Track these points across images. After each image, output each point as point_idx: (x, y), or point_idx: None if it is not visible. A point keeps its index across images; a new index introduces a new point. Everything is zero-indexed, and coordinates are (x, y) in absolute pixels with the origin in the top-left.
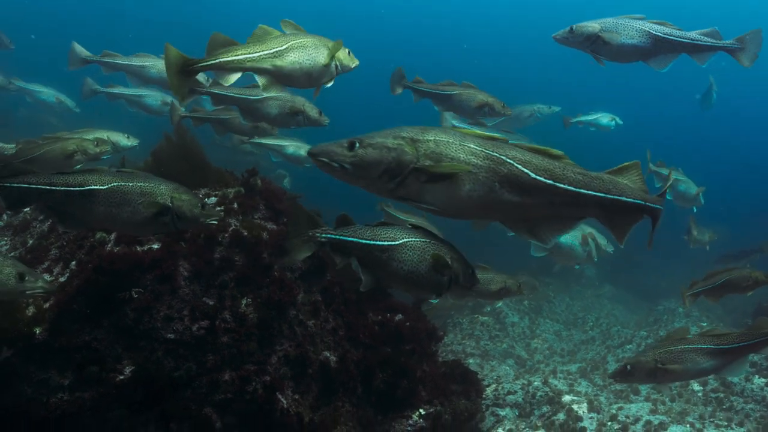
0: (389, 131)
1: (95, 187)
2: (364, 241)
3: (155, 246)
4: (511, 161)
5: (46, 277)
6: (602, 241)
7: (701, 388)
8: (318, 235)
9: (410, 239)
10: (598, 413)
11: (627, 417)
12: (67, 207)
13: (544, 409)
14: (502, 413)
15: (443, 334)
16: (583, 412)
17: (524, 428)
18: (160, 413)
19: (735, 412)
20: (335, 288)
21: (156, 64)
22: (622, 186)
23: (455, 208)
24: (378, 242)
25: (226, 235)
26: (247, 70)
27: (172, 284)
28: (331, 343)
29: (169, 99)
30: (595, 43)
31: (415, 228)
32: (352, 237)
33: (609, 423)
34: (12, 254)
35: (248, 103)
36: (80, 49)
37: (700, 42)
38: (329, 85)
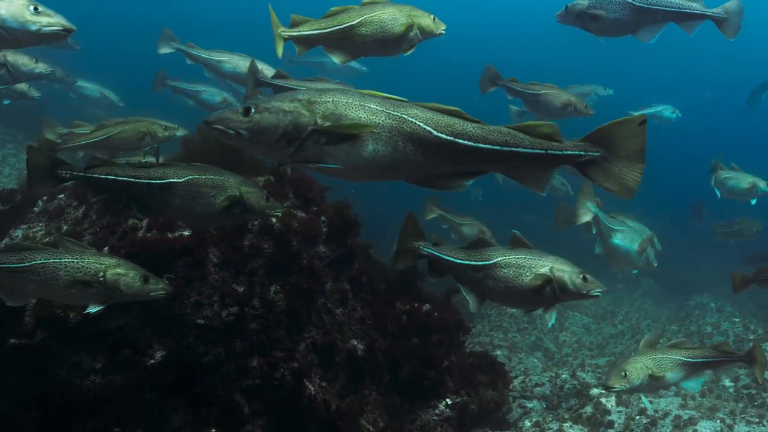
0: (287, 94)
1: (173, 180)
2: (459, 261)
3: (186, 233)
4: (413, 119)
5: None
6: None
7: (732, 384)
8: (421, 248)
9: (505, 258)
10: (627, 407)
11: (656, 411)
12: (147, 198)
13: (572, 401)
14: (530, 405)
15: (472, 326)
16: (611, 405)
17: (551, 420)
18: (190, 398)
19: (767, 408)
20: (363, 277)
21: (231, 60)
22: (521, 137)
23: (359, 170)
24: (473, 262)
25: (256, 222)
26: (324, 42)
27: (203, 271)
28: (359, 332)
29: (226, 95)
30: (584, 20)
31: (513, 246)
32: (449, 256)
33: (637, 417)
34: (47, 239)
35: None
36: (170, 34)
37: (684, 10)
38: (408, 53)
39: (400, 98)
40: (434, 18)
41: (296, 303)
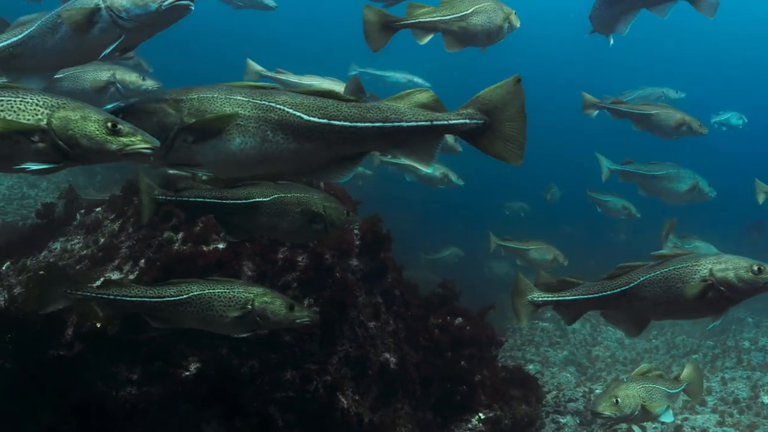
0: (153, 94)
1: (259, 199)
2: (595, 296)
3: (221, 246)
4: (282, 106)
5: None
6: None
7: None
8: (537, 299)
9: (649, 276)
10: (662, 423)
11: (693, 428)
12: (235, 218)
13: None
14: (563, 420)
15: (504, 340)
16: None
17: None
18: (224, 409)
19: None
20: (396, 290)
21: (322, 83)
22: (403, 111)
23: (231, 166)
24: (610, 291)
25: None
26: (439, 30)
27: None
28: (392, 345)
29: None
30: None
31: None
32: (580, 295)
33: None
34: (84, 252)
35: None
36: (254, 65)
37: None
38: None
39: (271, 85)
40: (516, 13)
41: (329, 316)
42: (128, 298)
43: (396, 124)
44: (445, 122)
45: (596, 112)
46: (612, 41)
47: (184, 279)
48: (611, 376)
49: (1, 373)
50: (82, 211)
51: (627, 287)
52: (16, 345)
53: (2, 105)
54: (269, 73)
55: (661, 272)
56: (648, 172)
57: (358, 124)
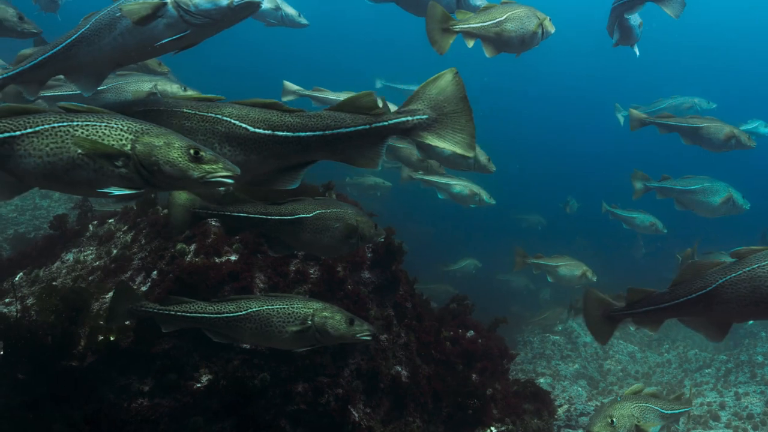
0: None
1: (303, 215)
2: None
3: (233, 258)
4: (228, 118)
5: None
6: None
7: None
8: (615, 314)
9: (731, 276)
10: None
11: None
12: (278, 233)
13: None
14: None
15: (516, 353)
16: None
17: None
18: (235, 422)
19: None
20: (407, 303)
21: None
22: (342, 117)
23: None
24: (691, 295)
25: None
26: (479, 36)
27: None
28: (403, 358)
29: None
30: None
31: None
32: (660, 303)
33: None
34: (97, 263)
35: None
36: (291, 85)
37: None
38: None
39: (217, 96)
40: (550, 19)
41: None
42: (187, 314)
43: (336, 131)
44: (384, 123)
45: (641, 126)
46: (638, 51)
47: (244, 295)
48: (623, 390)
49: (16, 384)
50: (95, 222)
51: (705, 291)
52: (30, 356)
53: (87, 129)
54: (306, 92)
55: (744, 272)
56: (684, 186)
57: (301, 134)
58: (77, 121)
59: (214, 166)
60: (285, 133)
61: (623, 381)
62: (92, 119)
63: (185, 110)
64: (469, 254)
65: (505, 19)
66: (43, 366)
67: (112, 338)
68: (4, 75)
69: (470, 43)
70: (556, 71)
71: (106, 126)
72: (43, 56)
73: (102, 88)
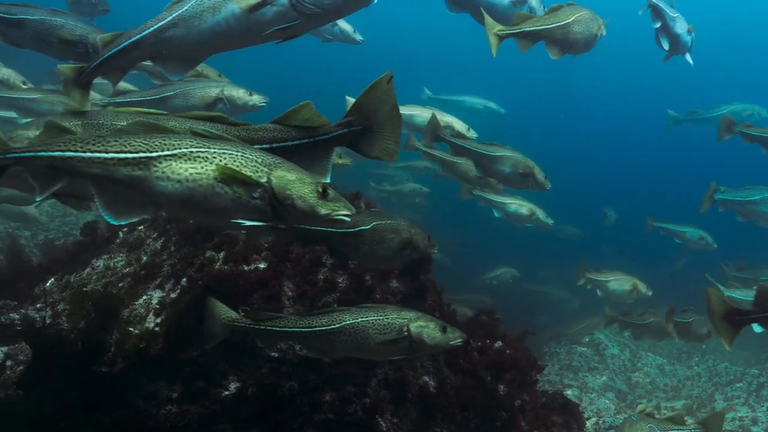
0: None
1: (362, 227)
2: None
3: (261, 266)
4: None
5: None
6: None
7: None
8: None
9: None
10: None
11: None
12: (342, 246)
13: None
14: None
15: (544, 365)
16: None
17: None
18: (263, 429)
19: None
20: (435, 312)
21: (422, 113)
22: (288, 131)
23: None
24: None
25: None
26: (543, 38)
27: (278, 304)
28: (431, 368)
29: (448, 119)
30: None
31: None
32: None
33: None
34: (126, 270)
35: (485, 158)
36: (353, 100)
37: None
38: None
39: (158, 111)
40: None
41: None
42: (279, 329)
43: (283, 144)
44: (327, 136)
45: (729, 136)
46: (691, 60)
47: (336, 308)
48: (652, 404)
49: (47, 390)
50: (125, 229)
51: None
52: (61, 363)
53: (225, 157)
54: None
55: None
56: (746, 198)
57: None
58: (214, 148)
59: (338, 204)
60: None
61: (652, 394)
62: (228, 147)
63: (125, 124)
64: (507, 263)
65: (573, 21)
66: (74, 372)
67: (141, 345)
68: (91, 65)
69: (525, 47)
70: (593, 78)
71: (242, 156)
72: (131, 40)
73: (170, 93)
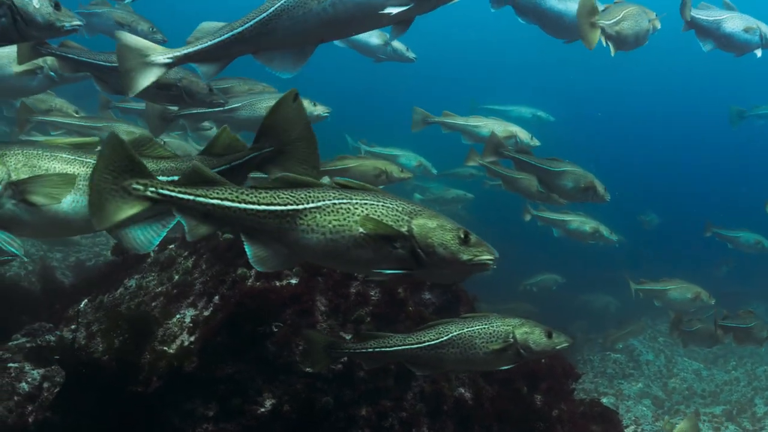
0: None
1: None
2: None
3: (293, 281)
4: None
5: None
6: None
7: None
8: None
9: None
10: None
11: None
12: None
13: None
14: None
15: (581, 373)
16: None
17: None
18: None
19: None
20: None
21: (487, 124)
22: (209, 160)
23: (61, 227)
24: None
25: None
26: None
27: (310, 319)
28: (466, 380)
29: (513, 129)
30: None
31: None
32: None
33: None
34: (159, 289)
35: (548, 174)
36: (421, 111)
37: None
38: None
39: (90, 139)
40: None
41: None
42: (387, 349)
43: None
44: (240, 161)
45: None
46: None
47: (440, 321)
48: (690, 410)
49: (84, 410)
50: (156, 248)
51: None
52: (97, 383)
53: (367, 208)
54: (435, 118)
55: None
56: None
57: (174, 177)
58: (356, 199)
59: (480, 248)
60: (159, 178)
61: (689, 400)
62: (369, 198)
63: (64, 155)
64: (550, 269)
65: (622, 17)
66: (109, 392)
67: (176, 364)
68: (185, 51)
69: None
70: (638, 78)
71: (382, 206)
72: (232, 33)
73: (236, 105)
